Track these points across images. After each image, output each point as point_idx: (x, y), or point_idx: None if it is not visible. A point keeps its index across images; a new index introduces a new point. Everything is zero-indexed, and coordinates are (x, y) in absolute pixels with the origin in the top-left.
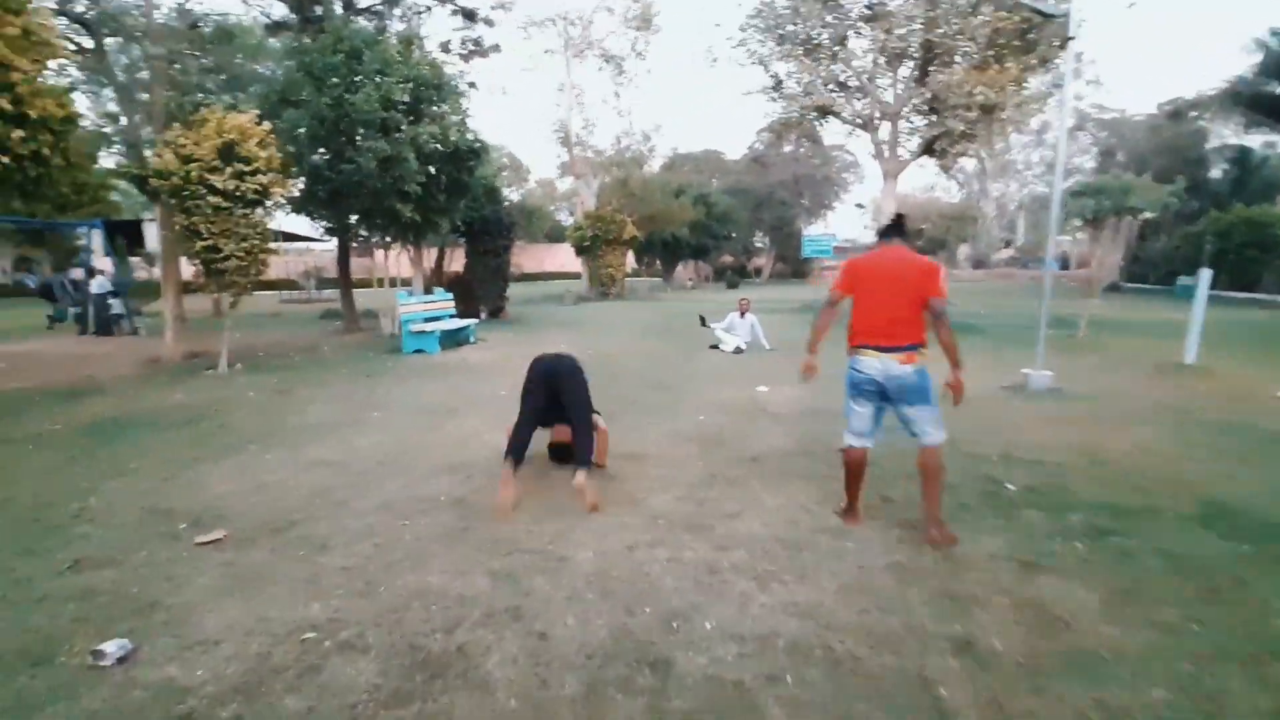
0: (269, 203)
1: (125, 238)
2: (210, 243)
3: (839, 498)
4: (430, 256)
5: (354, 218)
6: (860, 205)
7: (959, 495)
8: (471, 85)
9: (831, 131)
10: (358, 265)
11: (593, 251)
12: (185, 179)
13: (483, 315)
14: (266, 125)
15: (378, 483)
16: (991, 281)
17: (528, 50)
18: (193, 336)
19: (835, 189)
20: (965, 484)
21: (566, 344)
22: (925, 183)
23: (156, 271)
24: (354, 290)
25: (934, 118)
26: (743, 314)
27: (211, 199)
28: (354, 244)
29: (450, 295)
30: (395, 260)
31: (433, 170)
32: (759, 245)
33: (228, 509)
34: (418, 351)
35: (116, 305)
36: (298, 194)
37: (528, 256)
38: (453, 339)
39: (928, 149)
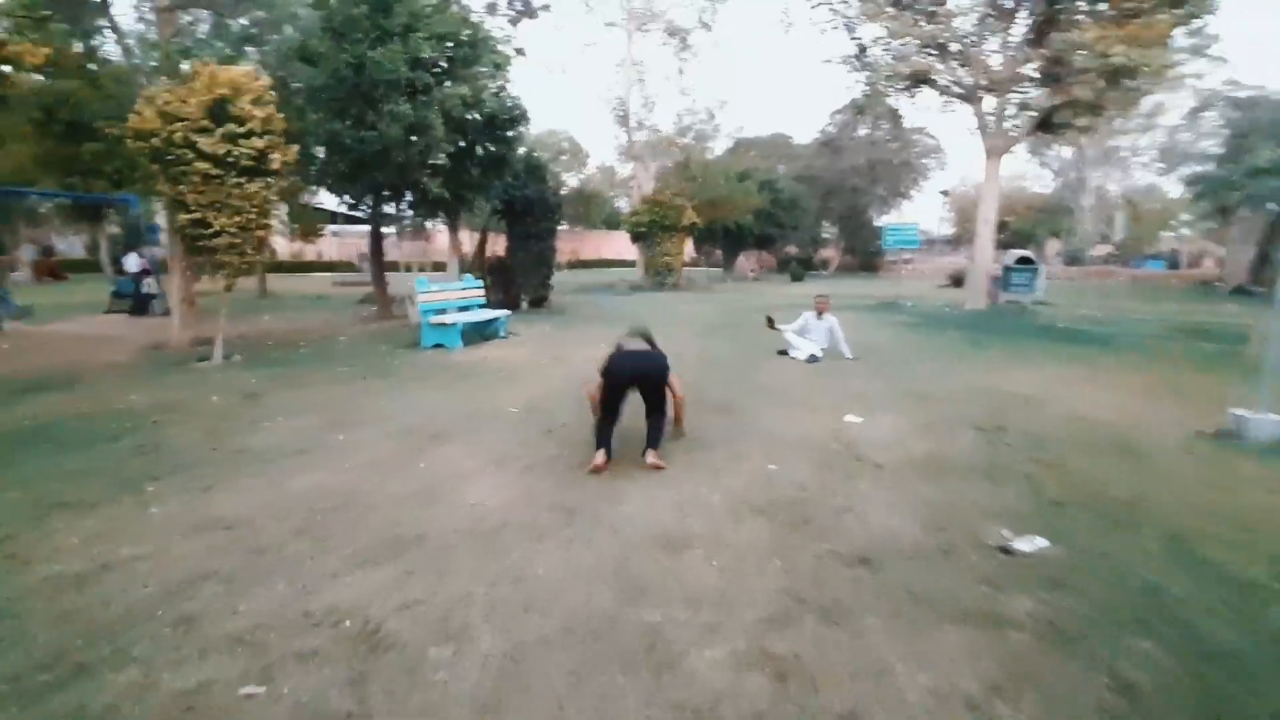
0: (270, 172)
1: None
2: (197, 215)
3: (1028, 665)
4: (471, 240)
5: (379, 194)
6: (946, 192)
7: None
8: (519, 51)
9: (921, 107)
10: (412, 248)
11: (649, 239)
12: (168, 141)
13: (523, 304)
14: (266, 80)
15: (266, 577)
16: (1089, 280)
17: (589, 23)
18: (214, 321)
19: (914, 175)
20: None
21: (612, 342)
22: (1013, 171)
23: None
24: (398, 273)
25: (1053, 85)
26: (820, 314)
27: (199, 165)
28: (398, 224)
29: (479, 282)
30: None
31: (464, 140)
32: (826, 236)
33: None
34: (437, 346)
35: (150, 285)
36: (313, 165)
37: (584, 243)
38: (479, 333)
39: (1043, 123)
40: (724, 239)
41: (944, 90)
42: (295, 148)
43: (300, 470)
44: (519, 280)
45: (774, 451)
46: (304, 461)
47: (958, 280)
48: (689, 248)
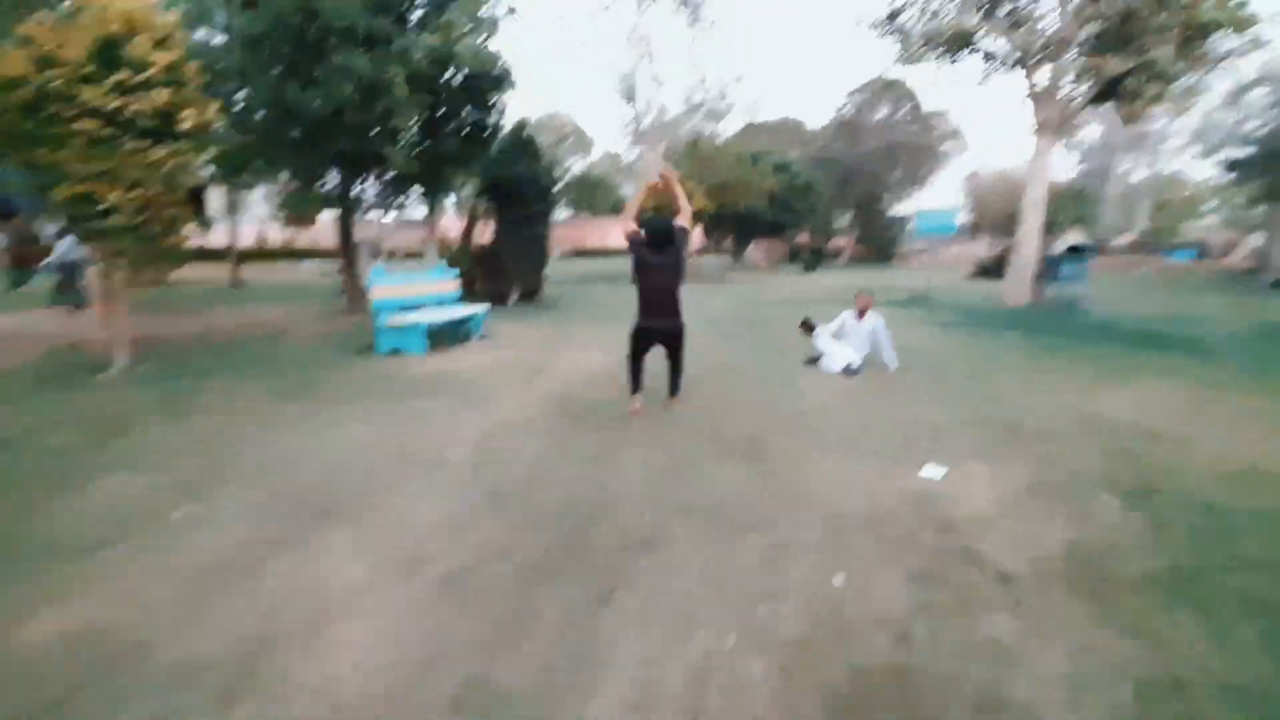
0: (180, 133)
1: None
2: (81, 189)
3: None
4: (455, 226)
5: (345, 168)
6: (974, 175)
7: None
8: (510, 10)
9: (955, 80)
10: (414, 235)
11: None
12: (42, 92)
13: (513, 298)
14: (172, 16)
15: None
16: (1116, 271)
17: None
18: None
19: (934, 160)
20: None
21: (605, 344)
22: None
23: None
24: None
25: (1120, 49)
26: (861, 315)
27: (84, 123)
28: (383, 205)
29: (453, 272)
30: (433, 228)
31: (436, 105)
32: (840, 224)
33: None
34: (395, 352)
35: (89, 276)
36: (247, 131)
37: (589, 231)
38: (452, 334)
39: (1106, 91)
40: (735, 226)
41: (989, 56)
42: (216, 103)
43: (65, 591)
44: (509, 270)
45: (833, 541)
46: (89, 568)
47: (986, 269)
48: (698, 235)
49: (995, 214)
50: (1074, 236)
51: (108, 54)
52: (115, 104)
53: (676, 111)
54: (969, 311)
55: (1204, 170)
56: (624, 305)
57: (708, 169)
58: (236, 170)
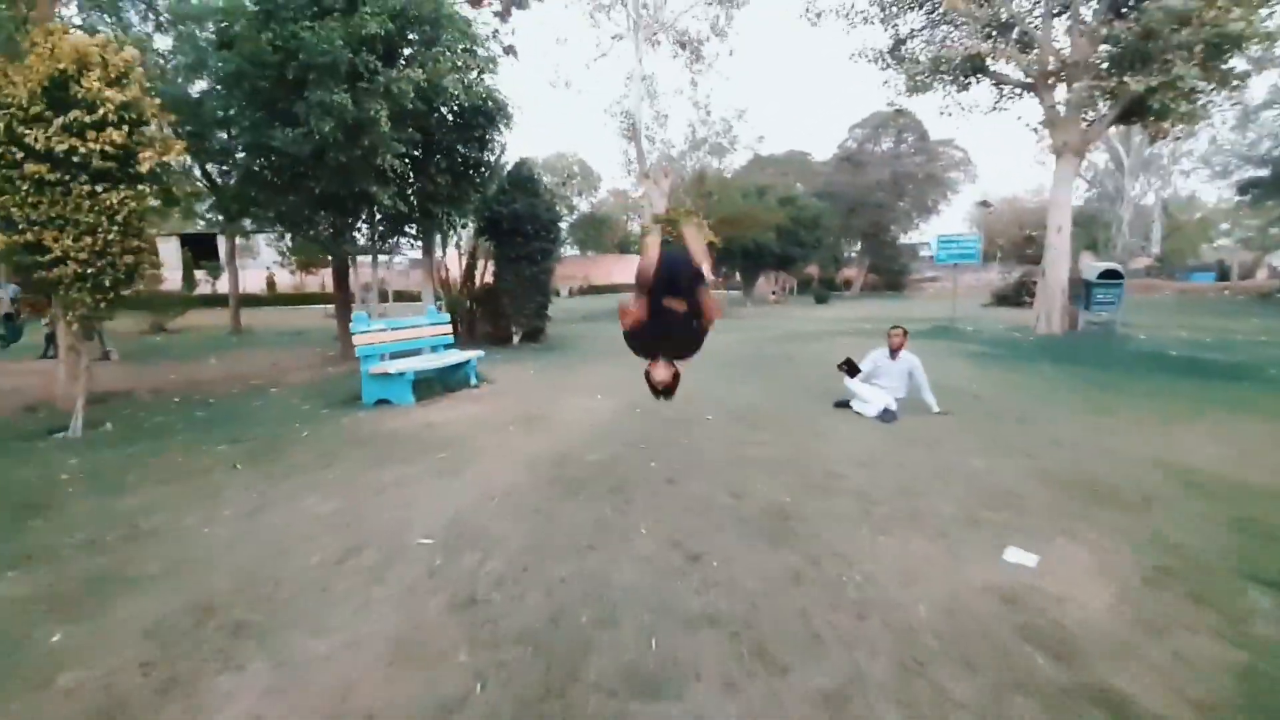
0: (139, 176)
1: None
2: (30, 237)
3: None
4: (453, 264)
5: (336, 210)
6: (985, 203)
7: None
8: (509, 50)
9: (968, 106)
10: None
11: None
12: None
13: (516, 338)
14: (131, 52)
15: None
16: (1135, 294)
17: (595, 39)
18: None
19: (942, 189)
20: None
21: (610, 388)
22: (1036, 184)
23: (221, 285)
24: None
25: (1142, 67)
26: (894, 353)
27: (31, 167)
28: (384, 248)
29: (444, 318)
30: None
31: (424, 141)
32: (849, 255)
33: None
34: (381, 403)
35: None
36: (231, 172)
37: (596, 267)
38: (443, 381)
39: (1129, 111)
40: (743, 260)
41: (1002, 80)
42: (179, 144)
43: None
44: (509, 310)
45: (914, 682)
46: None
47: (1003, 297)
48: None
49: (1005, 241)
50: (1090, 262)
51: (57, 93)
52: (65, 145)
53: (681, 148)
54: (999, 342)
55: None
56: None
57: (714, 203)
58: (234, 217)
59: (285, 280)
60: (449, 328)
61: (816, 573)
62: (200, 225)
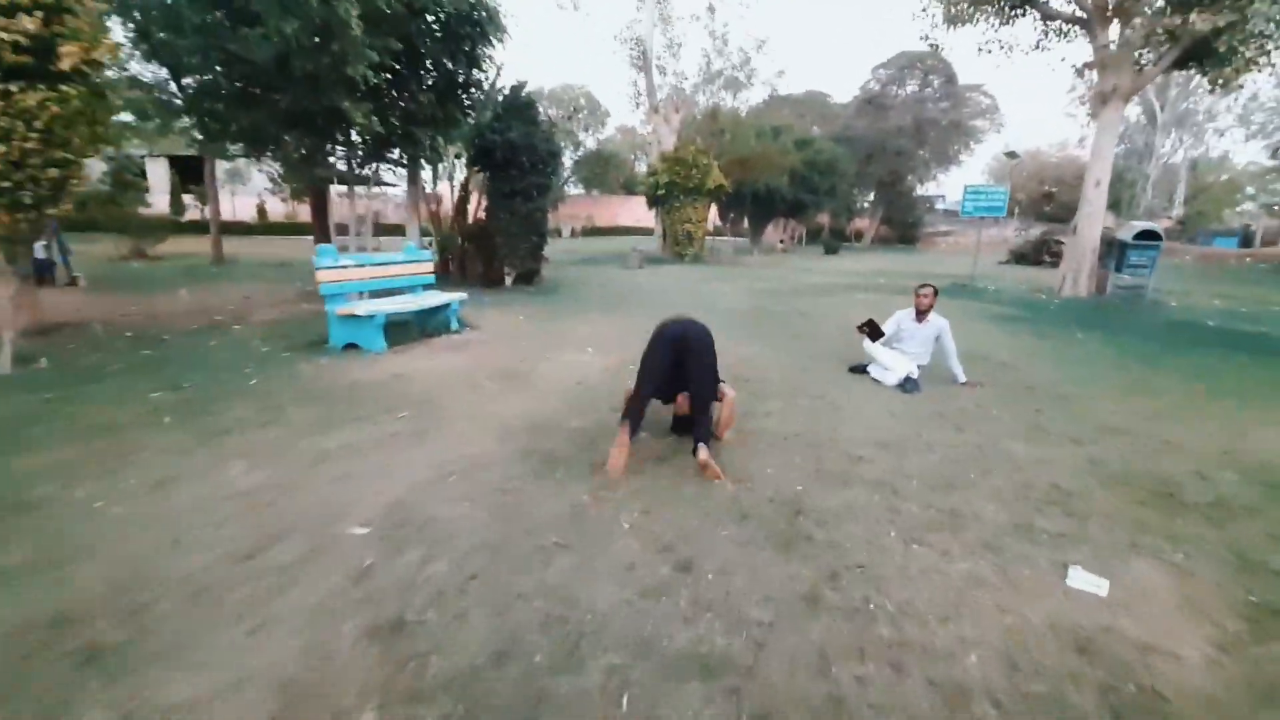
0: (60, 74)
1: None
2: None
3: None
4: (445, 198)
5: (309, 130)
6: (1013, 154)
7: None
8: None
9: (1005, 45)
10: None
11: (668, 203)
12: None
13: (508, 281)
14: None
15: None
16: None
17: None
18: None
19: (965, 138)
20: None
21: (604, 342)
22: (1057, 137)
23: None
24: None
25: (1209, 5)
26: (920, 315)
27: None
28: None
29: (424, 254)
30: (416, 200)
31: (401, 49)
32: (863, 205)
33: None
34: (349, 348)
35: (38, 250)
36: (182, 84)
37: (601, 208)
38: (422, 325)
39: (1189, 55)
40: (752, 205)
41: (1052, 15)
42: (109, 40)
43: None
44: (502, 250)
45: None
46: None
47: (1021, 256)
48: (713, 215)
49: (1024, 196)
50: (1108, 221)
51: None
52: None
53: (694, 80)
54: (1025, 304)
55: (1248, 153)
56: (633, 291)
57: (726, 142)
58: (214, 136)
59: (277, 208)
60: (429, 266)
61: (837, 595)
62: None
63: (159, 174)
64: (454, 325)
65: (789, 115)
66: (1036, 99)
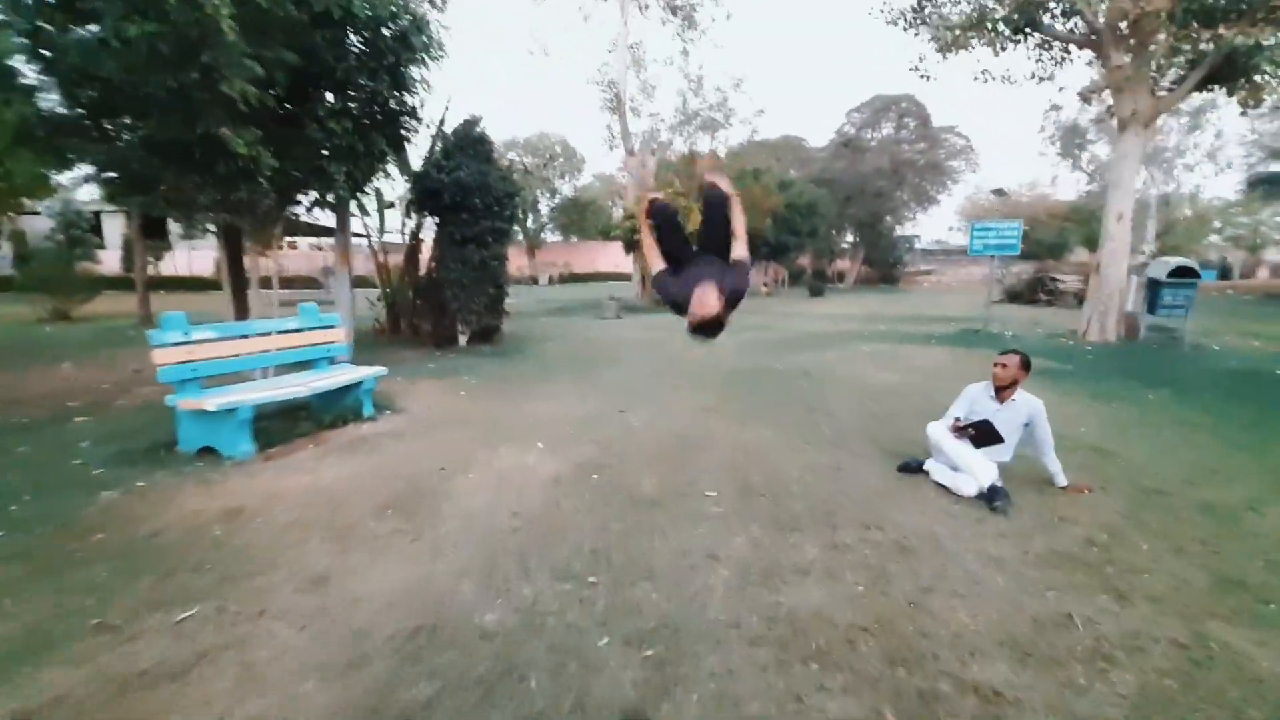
0: None
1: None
2: None
3: None
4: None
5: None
6: (1000, 191)
7: None
8: None
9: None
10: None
11: None
12: None
13: (463, 340)
14: None
15: None
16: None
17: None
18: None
19: (943, 178)
20: None
21: (557, 429)
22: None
23: (166, 267)
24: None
25: (1239, 17)
26: (1000, 393)
27: None
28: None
29: (329, 320)
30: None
31: (300, 65)
32: (843, 245)
33: None
34: (204, 453)
35: None
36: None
37: (578, 254)
38: (328, 410)
39: (1213, 75)
40: None
41: (1055, 36)
42: None
43: None
44: (455, 304)
45: None
46: None
47: (1015, 294)
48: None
49: None
50: (1080, 257)
51: None
52: None
53: (670, 121)
54: (1058, 353)
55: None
56: (603, 349)
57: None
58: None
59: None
60: (338, 334)
61: None
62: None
63: (114, 229)
64: (367, 410)
65: (766, 159)
66: (1007, 139)
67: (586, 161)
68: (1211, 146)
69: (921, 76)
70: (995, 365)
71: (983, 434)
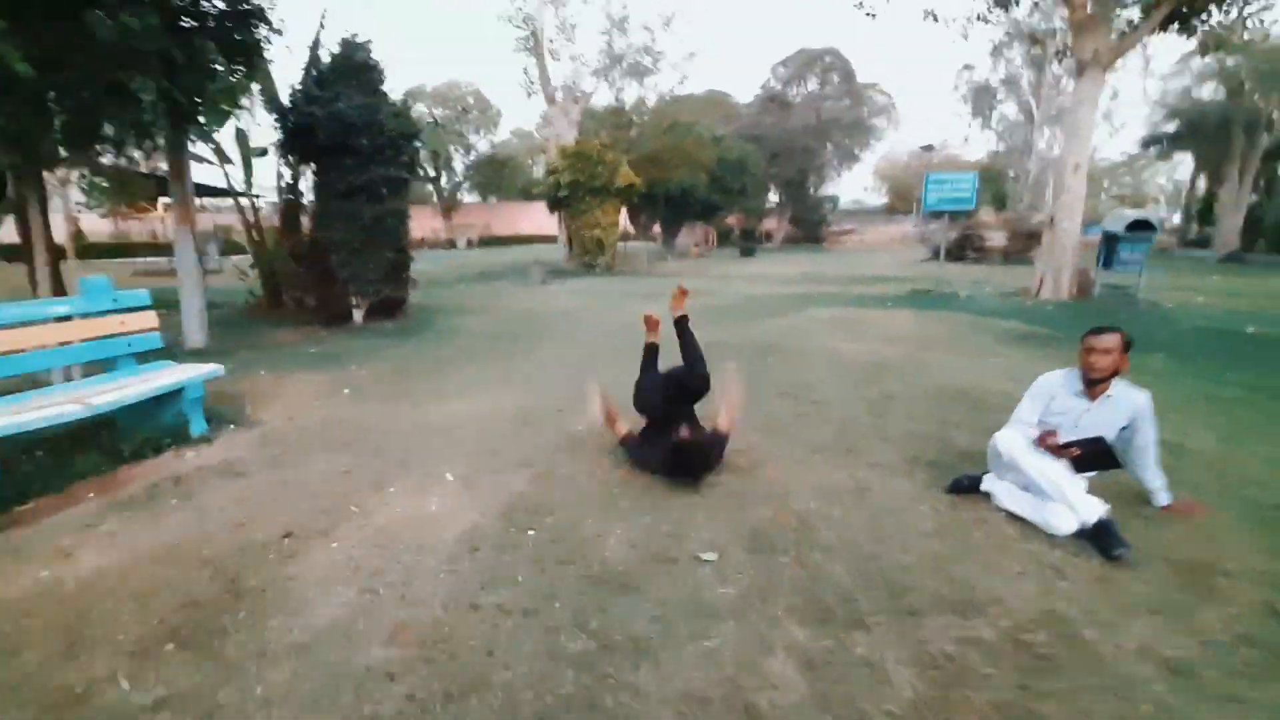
0: None
1: None
2: None
3: None
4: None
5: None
6: (929, 147)
7: None
8: None
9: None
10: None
11: (573, 206)
12: None
13: (358, 316)
14: None
15: None
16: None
17: None
18: None
19: (866, 136)
20: None
21: (473, 449)
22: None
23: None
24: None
25: None
26: (1093, 387)
27: None
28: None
29: (139, 297)
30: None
31: None
32: (770, 205)
33: None
34: None
35: None
36: None
37: (498, 215)
38: (141, 428)
39: (1176, 14)
40: (665, 207)
41: None
42: None
43: None
44: (345, 273)
45: None
46: None
47: (947, 252)
48: (623, 219)
49: (913, 195)
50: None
51: None
52: None
53: (594, 65)
54: (1023, 314)
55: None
56: (528, 323)
57: (635, 138)
58: None
59: (101, 227)
60: (146, 320)
61: None
62: None
63: None
64: (196, 428)
65: (692, 113)
66: (923, 98)
67: (503, 115)
68: (1106, 108)
69: (867, 14)
70: (1088, 350)
71: (1094, 454)
